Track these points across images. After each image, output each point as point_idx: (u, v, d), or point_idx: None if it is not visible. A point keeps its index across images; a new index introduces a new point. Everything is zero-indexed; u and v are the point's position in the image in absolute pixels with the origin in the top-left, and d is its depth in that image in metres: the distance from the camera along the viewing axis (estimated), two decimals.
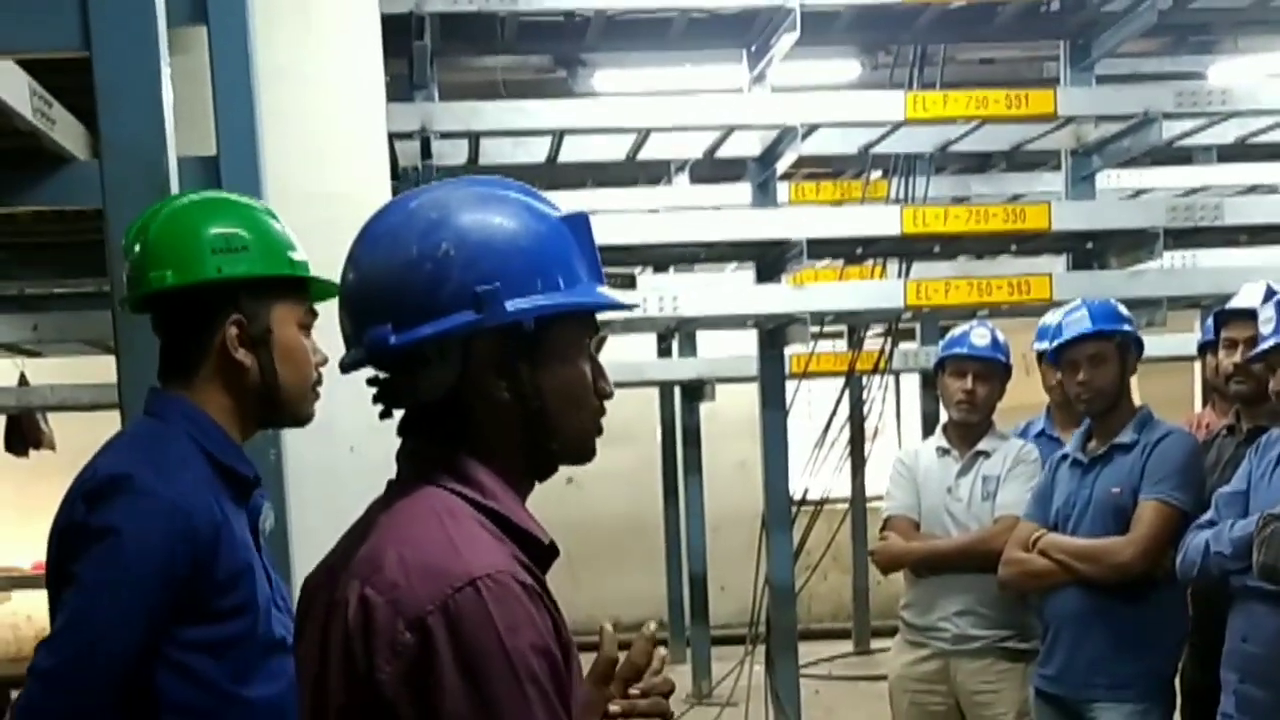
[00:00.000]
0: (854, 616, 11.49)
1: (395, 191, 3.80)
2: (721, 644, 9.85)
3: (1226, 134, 7.62)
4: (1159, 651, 4.41)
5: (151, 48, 2.90)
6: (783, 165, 6.80)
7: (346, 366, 1.84)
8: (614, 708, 1.96)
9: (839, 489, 8.63)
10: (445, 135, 6.17)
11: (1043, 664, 4.58)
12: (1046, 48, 7.69)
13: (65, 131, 3.45)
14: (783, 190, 7.63)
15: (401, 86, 6.12)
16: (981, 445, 4.96)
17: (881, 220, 6.36)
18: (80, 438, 3.09)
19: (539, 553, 1.81)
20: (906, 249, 7.01)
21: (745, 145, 7.05)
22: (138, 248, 2.57)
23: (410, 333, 1.73)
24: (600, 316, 1.91)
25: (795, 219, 6.62)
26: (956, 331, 5.07)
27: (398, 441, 1.87)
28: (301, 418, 2.67)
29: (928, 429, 9.07)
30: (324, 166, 3.78)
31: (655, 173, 8.97)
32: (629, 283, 6.68)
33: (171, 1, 3.03)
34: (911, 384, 10.93)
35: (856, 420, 9.25)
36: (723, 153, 7.18)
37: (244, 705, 2.46)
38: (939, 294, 6.39)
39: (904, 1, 6.45)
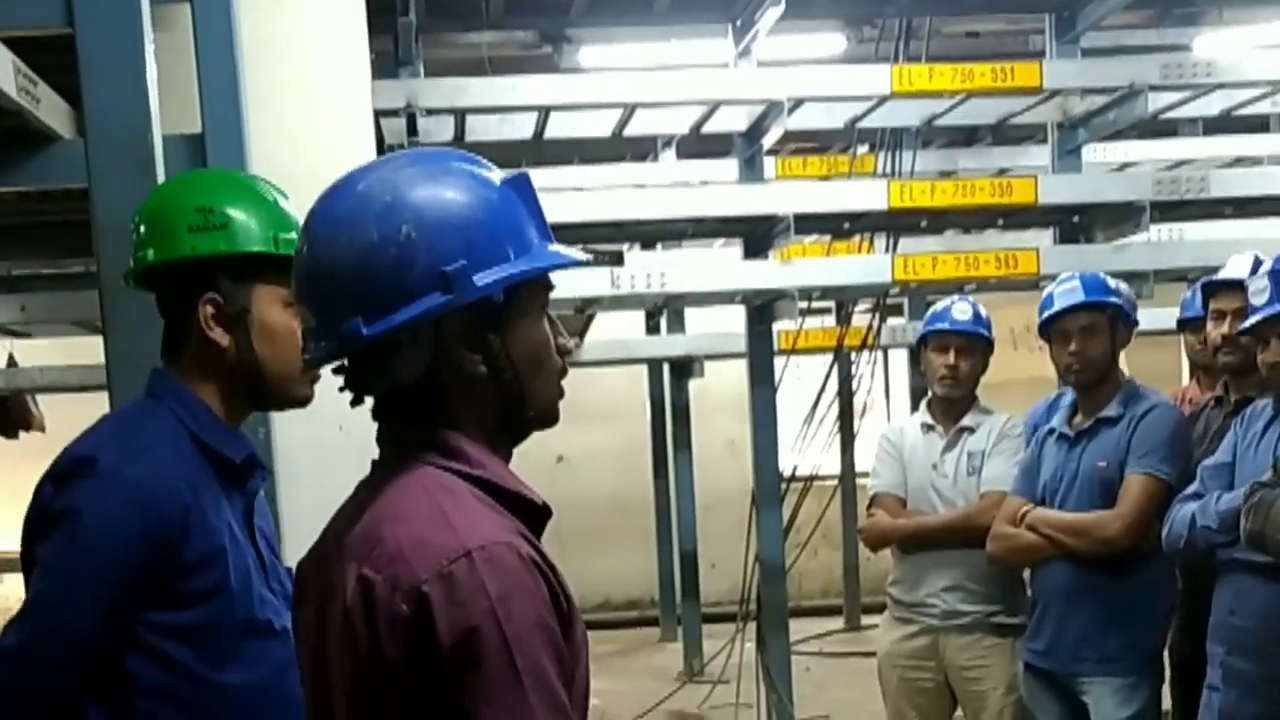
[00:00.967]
0: (844, 593, 11.54)
1: None
2: (712, 621, 9.86)
3: (1212, 106, 7.64)
4: (1147, 625, 4.43)
5: (135, 24, 2.88)
6: (769, 140, 6.80)
7: (316, 361, 1.81)
8: None
9: (828, 465, 8.65)
10: (431, 112, 6.15)
11: (1031, 638, 4.60)
12: (1031, 21, 7.71)
13: (50, 110, 3.42)
14: (769, 165, 7.61)
15: (387, 63, 6.10)
16: (966, 421, 4.96)
17: (868, 195, 6.36)
18: (70, 419, 3.07)
19: (533, 517, 1.81)
20: (893, 224, 7.01)
21: (731, 120, 7.03)
22: (136, 225, 2.57)
23: (383, 322, 1.71)
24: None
25: (782, 194, 6.63)
26: (938, 307, 5.07)
27: None
28: (293, 399, 2.63)
29: (916, 404, 9.04)
30: (309, 143, 3.75)
31: (642, 149, 8.98)
32: (617, 259, 6.66)
33: None
34: (900, 359, 10.97)
35: (845, 396, 9.27)
36: (709, 128, 7.17)
37: (218, 690, 2.44)
38: (926, 269, 6.39)
39: None
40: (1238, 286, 4.25)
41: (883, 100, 6.72)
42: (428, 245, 1.71)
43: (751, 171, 7.16)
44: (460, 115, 6.80)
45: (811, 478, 7.81)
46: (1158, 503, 4.24)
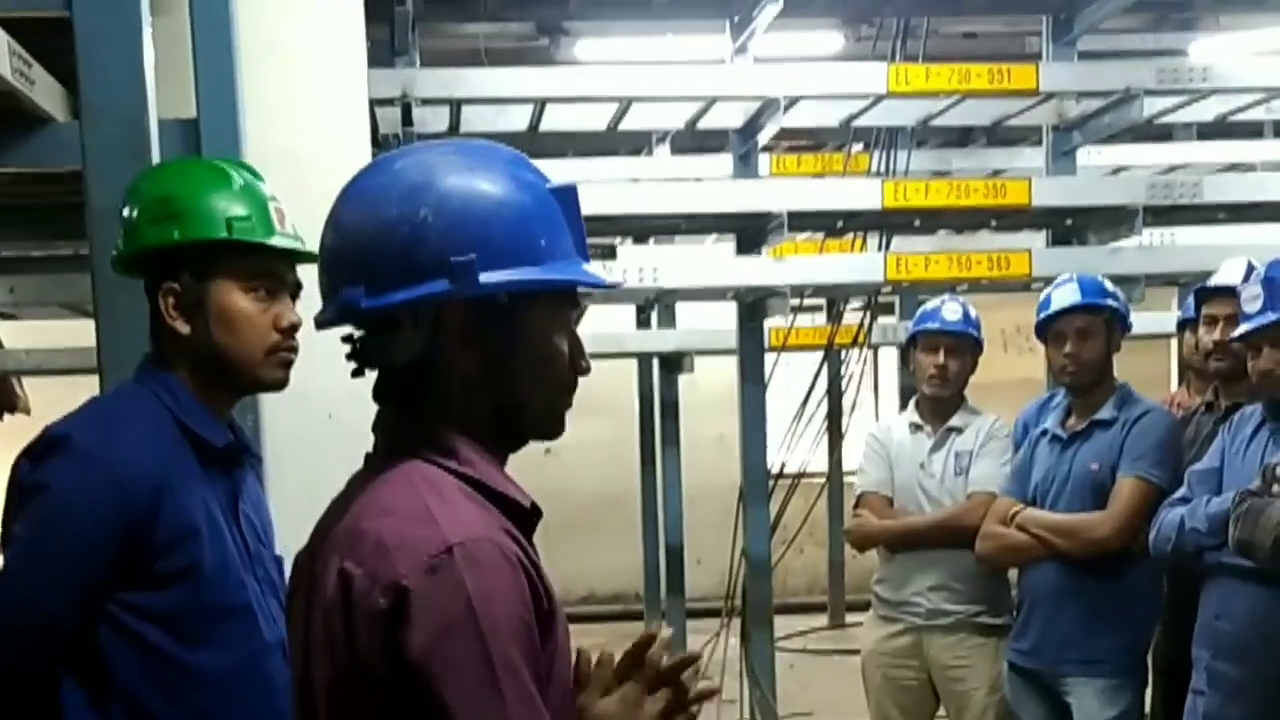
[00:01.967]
0: (829, 590, 11.55)
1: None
2: (697, 617, 9.84)
3: (1207, 111, 7.63)
4: (1132, 627, 4.44)
5: (132, 8, 2.88)
6: (764, 137, 6.79)
7: (320, 324, 1.83)
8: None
9: (816, 463, 8.64)
10: (426, 102, 6.14)
11: (1016, 638, 4.60)
12: (1029, 22, 7.70)
13: (45, 92, 3.40)
14: (764, 162, 7.61)
15: (383, 52, 6.08)
16: (954, 421, 4.96)
17: (862, 193, 6.36)
18: (56, 403, 3.06)
19: (522, 518, 1.81)
20: (887, 222, 7.00)
21: (727, 116, 7.03)
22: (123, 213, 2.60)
23: (383, 297, 1.72)
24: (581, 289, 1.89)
25: (776, 191, 6.63)
26: (928, 306, 5.08)
27: (375, 408, 1.86)
28: (264, 383, 2.65)
29: (905, 403, 9.07)
30: (304, 131, 3.75)
31: (636, 143, 8.96)
32: (609, 253, 6.66)
33: None
34: (890, 358, 10.95)
35: (835, 394, 9.26)
36: (704, 124, 7.17)
37: (191, 672, 2.45)
38: (919, 268, 6.38)
39: None
40: (1230, 292, 4.26)
41: (879, 99, 6.71)
42: (442, 232, 1.71)
43: (746, 168, 7.15)
44: (456, 106, 6.78)
45: (799, 475, 7.81)
46: (1148, 506, 4.24)
